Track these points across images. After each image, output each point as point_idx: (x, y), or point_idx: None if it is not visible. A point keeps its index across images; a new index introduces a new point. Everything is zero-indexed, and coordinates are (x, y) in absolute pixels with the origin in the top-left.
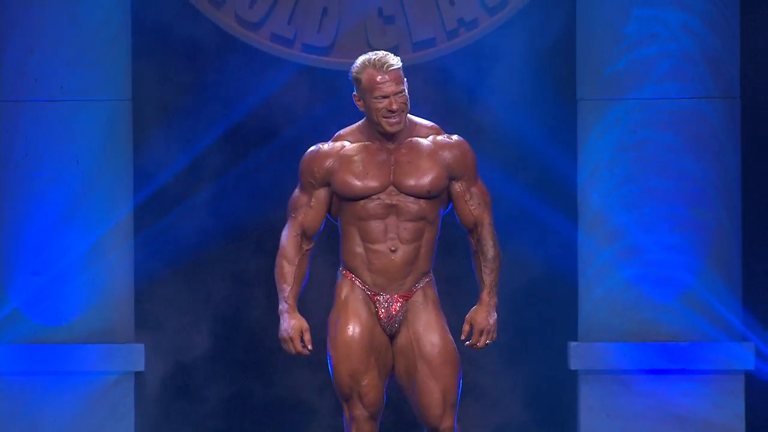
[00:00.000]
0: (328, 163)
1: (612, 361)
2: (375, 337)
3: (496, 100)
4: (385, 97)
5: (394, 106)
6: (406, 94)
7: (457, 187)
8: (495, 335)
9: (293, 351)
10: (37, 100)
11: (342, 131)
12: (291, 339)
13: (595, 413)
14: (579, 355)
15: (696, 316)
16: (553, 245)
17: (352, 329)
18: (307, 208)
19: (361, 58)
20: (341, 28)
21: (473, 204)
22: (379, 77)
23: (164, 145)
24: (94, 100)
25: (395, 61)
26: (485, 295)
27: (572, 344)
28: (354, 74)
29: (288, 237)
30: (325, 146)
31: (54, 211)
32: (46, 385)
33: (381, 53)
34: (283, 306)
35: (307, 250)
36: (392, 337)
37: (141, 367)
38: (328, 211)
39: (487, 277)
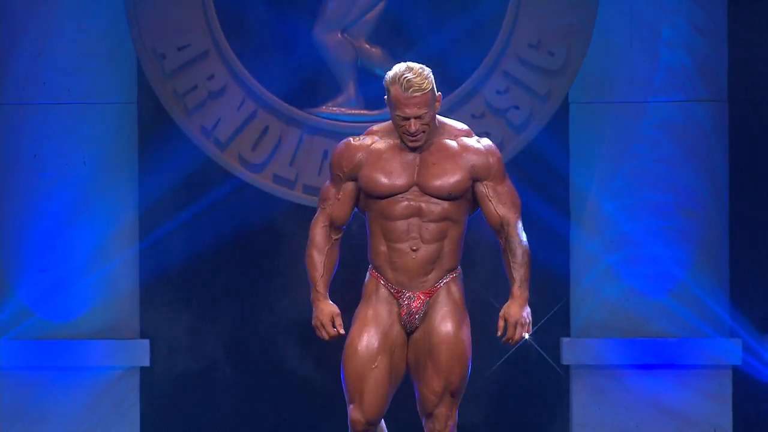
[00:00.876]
0: (357, 157)
1: (603, 357)
2: (390, 338)
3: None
4: (405, 118)
5: (413, 129)
6: (430, 115)
7: (482, 188)
8: (530, 328)
9: (326, 337)
10: (44, 103)
11: (375, 126)
12: (323, 325)
13: (587, 407)
14: (571, 351)
15: (685, 312)
16: (546, 244)
17: (365, 330)
18: (335, 200)
19: (396, 69)
20: None
21: (498, 204)
22: (403, 99)
23: (169, 146)
24: (100, 103)
25: (425, 84)
26: (516, 290)
27: (565, 340)
28: (385, 83)
29: (317, 227)
30: (356, 141)
31: (61, 210)
32: (53, 379)
33: (414, 72)
34: (314, 294)
35: (336, 239)
36: (411, 332)
37: (146, 363)
38: (356, 205)
39: (517, 272)
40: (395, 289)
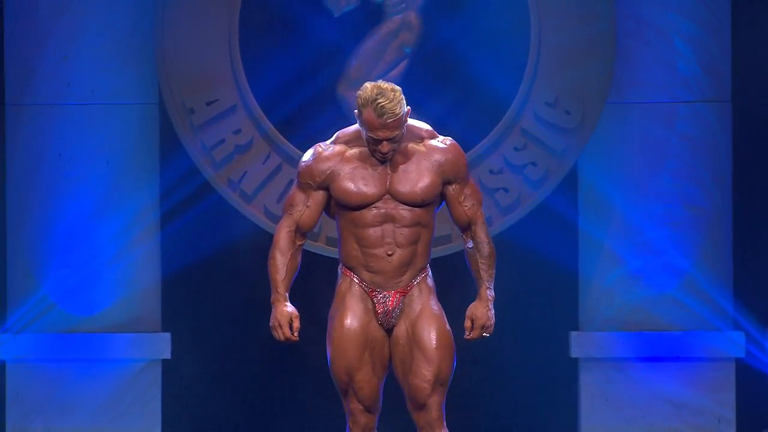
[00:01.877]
0: (329, 167)
1: (611, 350)
2: (370, 334)
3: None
4: (377, 140)
5: (385, 150)
6: (401, 134)
7: (451, 190)
8: (492, 329)
9: (282, 338)
10: (69, 103)
11: (342, 133)
12: (280, 326)
13: (595, 399)
14: (579, 344)
15: (690, 306)
16: (555, 239)
17: (347, 326)
18: (304, 207)
19: (369, 90)
20: None
21: (467, 204)
22: (378, 123)
23: (190, 145)
24: (123, 103)
25: (398, 109)
26: (483, 291)
27: (573, 333)
28: (357, 101)
29: (282, 231)
30: (326, 150)
31: (85, 207)
32: (77, 372)
33: (386, 96)
34: (274, 296)
35: (300, 245)
36: (390, 331)
37: (167, 355)
38: (325, 211)
39: (485, 273)
40: (370, 288)
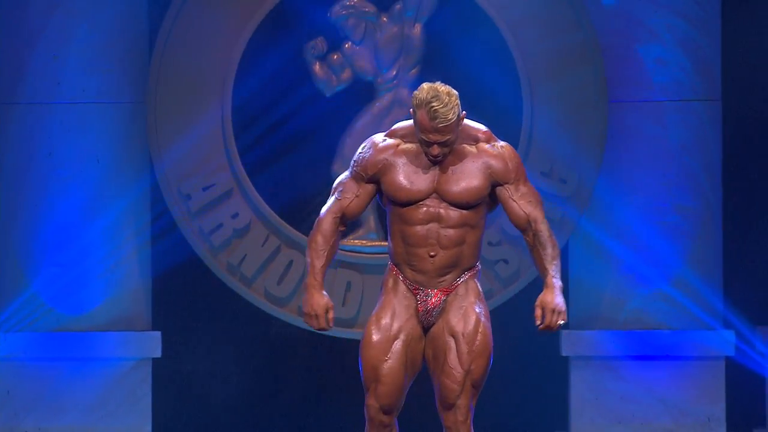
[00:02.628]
0: (382, 161)
1: (601, 348)
2: (407, 331)
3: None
4: (428, 143)
5: (435, 152)
6: (453, 138)
7: (504, 191)
8: (566, 315)
9: (317, 327)
10: (59, 102)
11: (398, 127)
12: (317, 316)
13: (585, 397)
14: (570, 343)
15: (680, 305)
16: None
17: (384, 320)
18: (353, 196)
19: (425, 92)
20: (364, 301)
21: (523, 203)
22: (430, 126)
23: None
24: (113, 102)
25: (451, 114)
26: (549, 279)
27: (564, 332)
28: (413, 101)
29: (329, 216)
30: (383, 142)
31: (75, 206)
32: (68, 370)
33: (441, 100)
34: (311, 280)
35: (342, 231)
36: (428, 328)
37: (158, 354)
38: (379, 201)
39: (549, 264)
40: (413, 286)
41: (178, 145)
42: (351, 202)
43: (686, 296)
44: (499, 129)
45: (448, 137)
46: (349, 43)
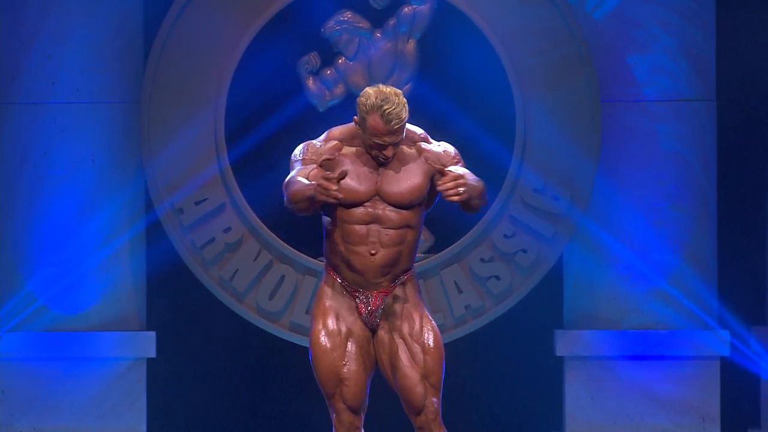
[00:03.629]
0: (331, 153)
1: (596, 348)
2: (355, 332)
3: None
4: (382, 146)
5: (389, 153)
6: (402, 137)
7: (438, 174)
8: (466, 182)
9: (329, 192)
10: (55, 102)
11: (335, 130)
12: (321, 186)
13: (580, 397)
14: (564, 342)
15: (674, 305)
16: (540, 238)
17: (331, 324)
18: (314, 167)
19: (373, 97)
20: None
21: (454, 169)
22: (384, 129)
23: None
24: (108, 102)
25: (403, 113)
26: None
27: (558, 332)
28: (360, 108)
29: (298, 174)
30: (322, 145)
31: (71, 206)
32: (63, 370)
33: (391, 102)
34: (308, 185)
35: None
36: (374, 332)
37: (153, 354)
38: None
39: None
40: (352, 288)
41: (170, 158)
42: (313, 170)
43: (681, 296)
44: (493, 142)
45: (401, 136)
46: (343, 58)
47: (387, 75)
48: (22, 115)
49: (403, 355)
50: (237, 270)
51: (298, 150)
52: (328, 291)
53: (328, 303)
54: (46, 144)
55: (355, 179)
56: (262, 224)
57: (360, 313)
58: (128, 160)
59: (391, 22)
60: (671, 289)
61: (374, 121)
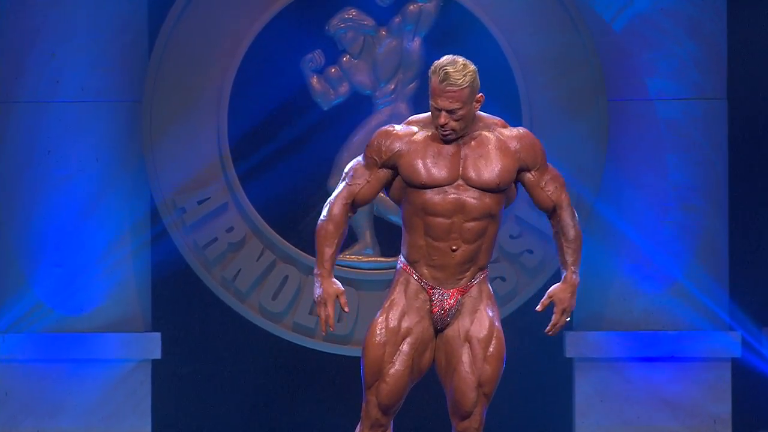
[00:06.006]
0: (398, 145)
1: (605, 350)
2: (416, 333)
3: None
4: (438, 109)
5: (441, 120)
6: (462, 113)
7: (530, 176)
8: (570, 313)
9: (323, 316)
10: (59, 101)
11: (414, 117)
12: (325, 303)
13: (590, 398)
14: (574, 344)
15: (685, 306)
16: (549, 240)
17: (392, 321)
18: (365, 182)
19: (442, 59)
20: (359, 318)
21: (549, 189)
22: (438, 90)
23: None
24: (113, 101)
25: (461, 81)
26: (569, 275)
27: (568, 333)
28: (430, 71)
29: (339, 201)
30: (399, 128)
31: (75, 206)
32: (67, 372)
33: (456, 66)
34: (320, 270)
35: (350, 217)
36: (442, 330)
37: (158, 355)
38: (388, 193)
39: (570, 257)
40: (429, 286)
41: (173, 157)
42: (362, 188)
43: (692, 297)
44: None
45: (455, 106)
46: (348, 56)
47: (392, 73)
48: (25, 113)
49: (465, 357)
50: (240, 270)
51: (372, 138)
52: (401, 287)
53: (397, 299)
54: (50, 143)
55: (433, 161)
56: (265, 224)
57: (432, 313)
58: (133, 159)
59: (397, 19)
60: (682, 290)
61: (434, 81)
